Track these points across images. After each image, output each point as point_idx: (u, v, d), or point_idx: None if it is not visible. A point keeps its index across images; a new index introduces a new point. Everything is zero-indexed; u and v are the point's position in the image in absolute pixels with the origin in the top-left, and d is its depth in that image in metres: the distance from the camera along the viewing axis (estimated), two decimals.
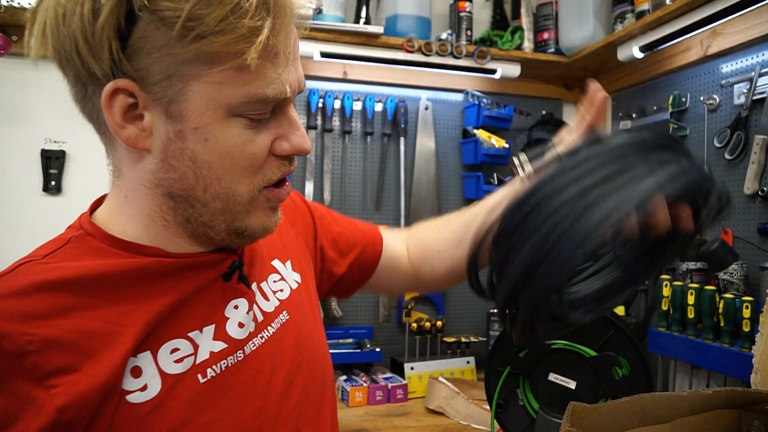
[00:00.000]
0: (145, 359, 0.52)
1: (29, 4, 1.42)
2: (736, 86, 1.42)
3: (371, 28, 1.64)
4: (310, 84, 1.81)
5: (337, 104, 1.81)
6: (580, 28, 1.75)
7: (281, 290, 0.68)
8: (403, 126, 1.85)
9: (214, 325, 0.58)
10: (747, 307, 1.21)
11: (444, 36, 1.77)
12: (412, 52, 1.71)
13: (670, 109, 1.59)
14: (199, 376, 0.55)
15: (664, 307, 1.39)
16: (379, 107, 1.85)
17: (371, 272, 0.86)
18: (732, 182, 1.44)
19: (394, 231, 0.92)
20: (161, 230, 0.57)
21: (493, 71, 1.82)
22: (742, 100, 1.40)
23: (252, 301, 0.63)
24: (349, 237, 0.84)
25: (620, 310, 1.57)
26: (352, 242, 0.84)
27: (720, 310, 1.25)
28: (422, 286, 0.89)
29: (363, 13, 1.76)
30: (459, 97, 1.94)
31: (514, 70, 1.82)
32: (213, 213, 0.56)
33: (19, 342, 0.46)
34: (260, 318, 0.63)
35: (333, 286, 0.84)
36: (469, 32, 1.82)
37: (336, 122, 1.82)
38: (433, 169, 1.89)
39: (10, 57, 1.54)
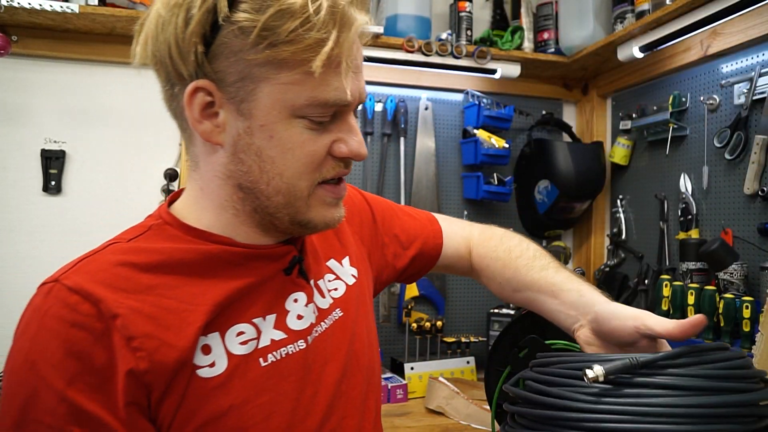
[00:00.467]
0: (214, 339, 0.58)
1: (29, 4, 1.42)
2: (736, 86, 1.42)
3: (371, 28, 1.64)
4: None
5: None
6: (580, 28, 1.75)
7: (336, 289, 0.74)
8: (403, 126, 1.85)
9: (275, 315, 0.64)
10: (747, 307, 1.21)
11: (444, 36, 1.77)
12: (412, 52, 1.71)
13: (670, 109, 1.59)
14: (260, 359, 0.60)
15: (664, 307, 1.39)
16: (379, 107, 1.85)
17: (433, 264, 0.90)
18: (732, 182, 1.44)
19: (453, 223, 0.94)
20: (232, 218, 0.63)
21: (493, 71, 1.82)
22: (742, 100, 1.40)
23: (310, 295, 0.68)
24: (410, 230, 0.88)
25: None
26: (414, 235, 0.88)
27: (720, 310, 1.25)
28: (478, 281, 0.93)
29: None
30: (459, 97, 1.94)
31: (514, 70, 1.82)
32: (276, 207, 0.61)
33: (111, 305, 0.53)
34: (316, 313, 0.68)
35: (397, 277, 0.89)
36: (469, 32, 1.82)
37: None
38: (433, 169, 1.90)
39: (10, 57, 1.54)
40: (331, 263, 0.75)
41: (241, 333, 0.60)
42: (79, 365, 0.51)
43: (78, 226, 1.64)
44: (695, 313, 1.29)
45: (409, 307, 1.79)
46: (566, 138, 2.01)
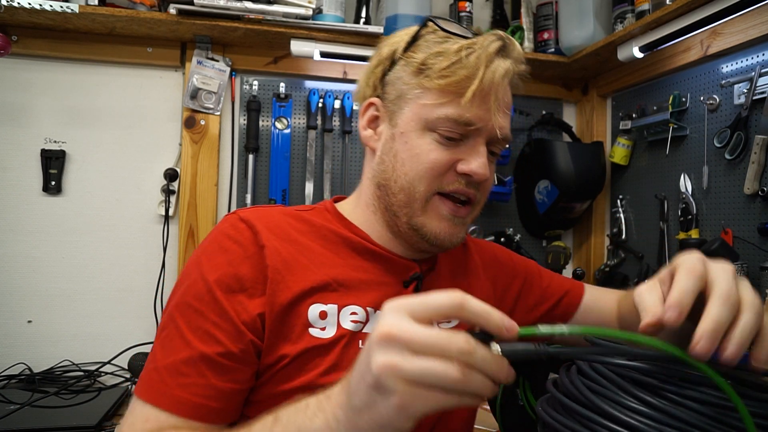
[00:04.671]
0: (331, 309, 0.70)
1: (29, 4, 1.42)
2: (736, 86, 1.42)
3: (371, 28, 1.64)
4: (310, 84, 1.81)
5: (337, 104, 1.81)
6: (580, 28, 1.75)
7: (449, 321, 0.78)
8: None
9: None
10: None
11: None
12: None
13: (670, 109, 1.59)
14: (360, 341, 0.70)
15: None
16: None
17: (572, 313, 0.93)
18: (732, 182, 1.44)
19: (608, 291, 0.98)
20: (371, 216, 0.78)
21: None
22: (742, 100, 1.40)
23: None
24: (555, 287, 0.94)
25: None
26: (557, 292, 0.93)
27: None
28: None
29: (363, 13, 1.76)
30: None
31: None
32: (399, 205, 0.73)
33: (263, 238, 0.70)
34: None
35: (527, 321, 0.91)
36: None
37: (336, 122, 1.82)
38: None
39: (10, 57, 1.54)
40: None
41: (354, 313, 0.70)
42: (230, 269, 0.67)
43: (78, 226, 1.64)
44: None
45: None
46: (566, 138, 2.01)
